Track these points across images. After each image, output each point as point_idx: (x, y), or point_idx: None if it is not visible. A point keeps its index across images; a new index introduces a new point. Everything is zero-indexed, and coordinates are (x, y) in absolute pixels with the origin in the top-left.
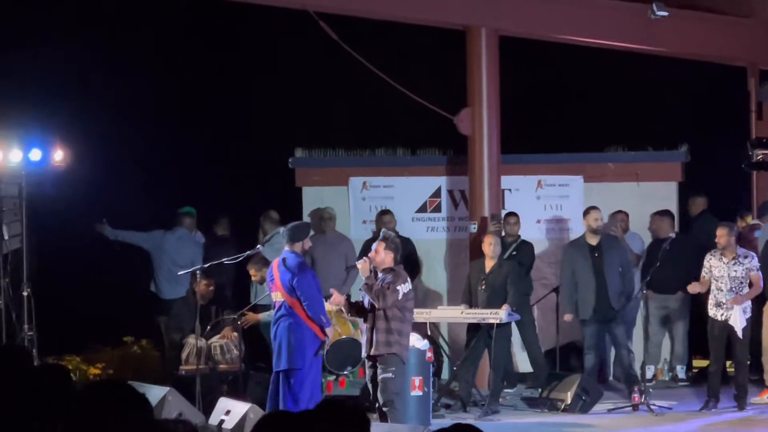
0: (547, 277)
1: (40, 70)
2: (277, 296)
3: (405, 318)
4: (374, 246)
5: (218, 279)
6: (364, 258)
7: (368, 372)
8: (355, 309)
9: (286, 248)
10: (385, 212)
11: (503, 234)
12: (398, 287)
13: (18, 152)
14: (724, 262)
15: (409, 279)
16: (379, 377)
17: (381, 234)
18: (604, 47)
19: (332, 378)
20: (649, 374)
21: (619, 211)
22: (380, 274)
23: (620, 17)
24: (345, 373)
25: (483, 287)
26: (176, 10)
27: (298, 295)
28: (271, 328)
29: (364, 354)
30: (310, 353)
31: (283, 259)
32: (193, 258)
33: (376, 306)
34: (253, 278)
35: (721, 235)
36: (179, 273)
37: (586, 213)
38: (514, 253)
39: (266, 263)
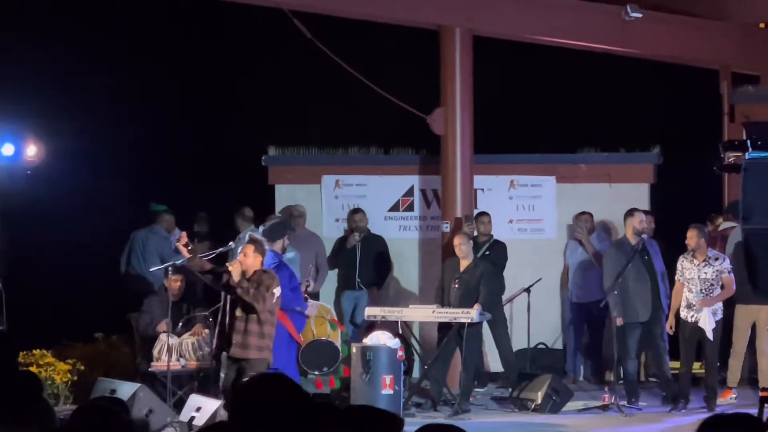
0: (518, 277)
1: (13, 64)
2: None
3: (274, 323)
4: (240, 249)
5: (192, 276)
6: (235, 260)
7: (230, 374)
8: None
9: (266, 247)
10: (356, 211)
11: (476, 234)
12: (274, 290)
13: None
14: (694, 264)
15: (279, 282)
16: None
17: (247, 237)
18: (578, 48)
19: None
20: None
21: (584, 212)
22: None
23: (594, 18)
24: (318, 374)
25: (456, 286)
26: (151, 7)
27: None
28: None
29: (231, 353)
30: (285, 353)
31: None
32: (161, 253)
33: (257, 308)
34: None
35: (691, 236)
36: (151, 270)
37: (630, 215)
38: (488, 252)
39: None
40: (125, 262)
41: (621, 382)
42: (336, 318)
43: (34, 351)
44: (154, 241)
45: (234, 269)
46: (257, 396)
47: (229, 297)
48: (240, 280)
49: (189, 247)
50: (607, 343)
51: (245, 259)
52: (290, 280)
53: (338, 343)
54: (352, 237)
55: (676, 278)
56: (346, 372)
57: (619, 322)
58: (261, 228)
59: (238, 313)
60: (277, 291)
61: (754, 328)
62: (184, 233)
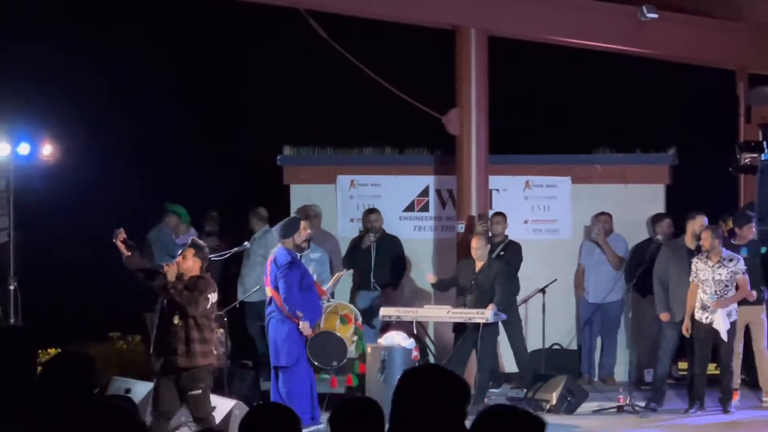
0: (533, 278)
1: (29, 64)
2: (268, 291)
3: (213, 328)
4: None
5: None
6: (173, 262)
7: (165, 389)
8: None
9: (279, 245)
10: (372, 211)
11: (490, 234)
12: (209, 295)
13: (6, 146)
14: (708, 266)
15: (216, 289)
16: (189, 394)
17: (190, 241)
18: (593, 49)
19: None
20: (648, 378)
21: (603, 213)
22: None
23: (610, 19)
24: (329, 368)
25: (472, 287)
26: (168, 7)
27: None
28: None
29: (179, 364)
30: (295, 349)
31: (275, 256)
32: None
33: (189, 312)
34: None
35: (706, 237)
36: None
37: (692, 218)
38: (502, 253)
39: None
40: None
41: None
42: (352, 316)
43: (48, 350)
44: (162, 240)
45: (170, 270)
46: None
47: (165, 306)
48: (174, 281)
49: (127, 244)
50: (622, 344)
51: (183, 262)
52: (302, 279)
53: (349, 337)
54: (367, 237)
55: (690, 279)
56: (362, 368)
57: (665, 317)
58: (276, 226)
59: (176, 321)
60: (212, 297)
61: (747, 329)
62: (121, 230)
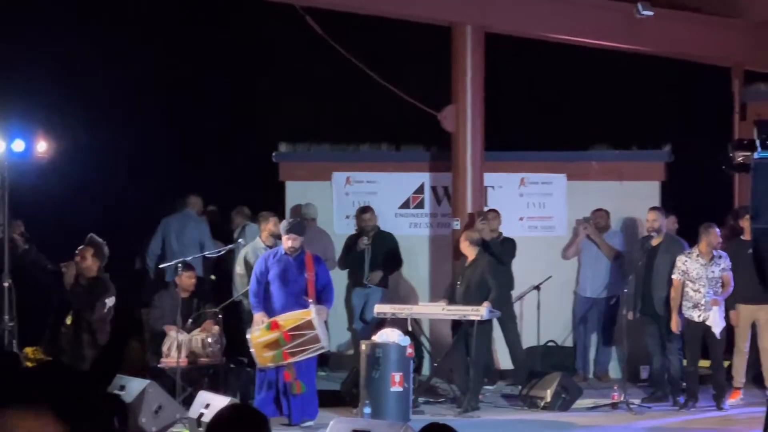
0: (528, 275)
1: (23, 60)
2: None
3: (107, 331)
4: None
5: (199, 272)
6: (69, 262)
7: None
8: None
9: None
10: (365, 210)
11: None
12: (106, 300)
13: (0, 143)
14: (701, 264)
15: (115, 293)
16: None
17: (88, 239)
18: (589, 46)
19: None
20: (644, 374)
21: (599, 209)
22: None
23: (605, 16)
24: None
25: (459, 283)
26: (163, 3)
27: None
28: None
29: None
30: None
31: None
32: (200, 238)
33: (86, 316)
34: None
35: (702, 235)
36: (160, 266)
37: (742, 214)
38: (494, 249)
39: None
40: (156, 253)
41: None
42: (286, 323)
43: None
44: (191, 227)
45: (68, 271)
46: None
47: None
48: (73, 283)
49: (25, 238)
50: (618, 339)
51: (82, 262)
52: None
53: (260, 343)
54: (361, 241)
55: (673, 277)
56: (287, 377)
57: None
58: (284, 222)
59: (69, 321)
60: (110, 301)
61: (753, 327)
62: (19, 222)
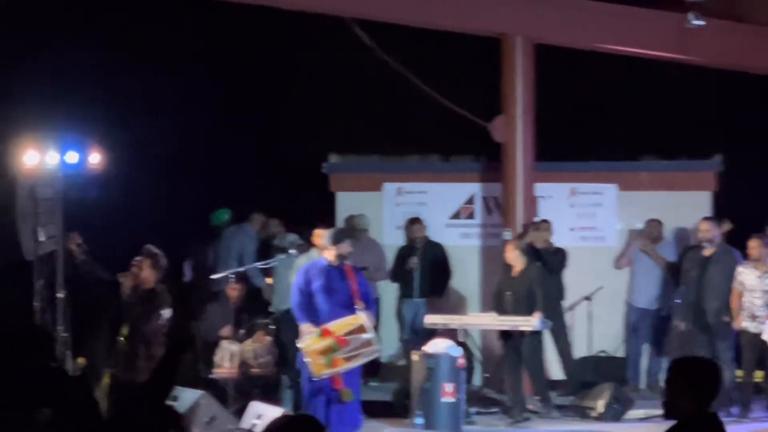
0: (579, 285)
1: (77, 72)
2: None
3: (162, 343)
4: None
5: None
6: (127, 273)
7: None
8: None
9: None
10: (414, 221)
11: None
12: (161, 312)
13: (54, 154)
14: (756, 275)
15: (170, 304)
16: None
17: (145, 250)
18: (639, 56)
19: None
20: None
21: (653, 220)
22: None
23: (656, 26)
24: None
25: (510, 293)
26: (214, 15)
27: None
28: None
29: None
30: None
31: None
32: (241, 250)
33: (141, 327)
34: None
35: (753, 246)
36: (212, 276)
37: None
38: (546, 259)
39: None
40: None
41: None
42: (342, 330)
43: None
44: (238, 240)
45: (125, 282)
46: None
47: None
48: (129, 294)
49: (82, 249)
50: (670, 350)
51: (139, 273)
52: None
53: (313, 351)
54: (411, 261)
55: (733, 287)
56: (338, 383)
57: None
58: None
59: (125, 331)
60: (165, 313)
61: None
62: (76, 234)
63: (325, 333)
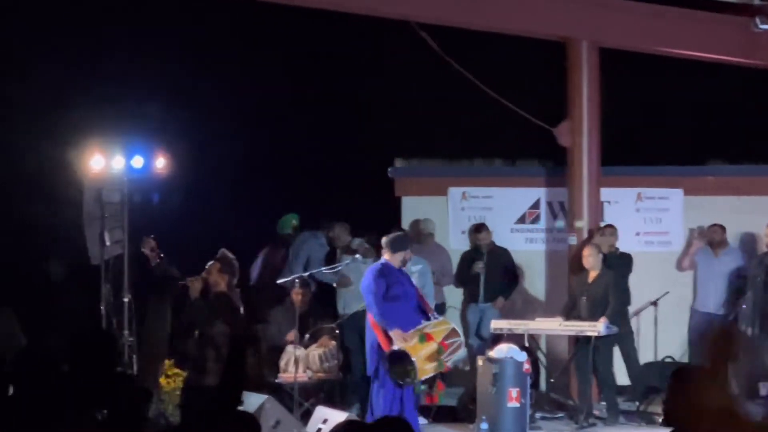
0: (645, 290)
1: (143, 77)
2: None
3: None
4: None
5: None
6: (197, 277)
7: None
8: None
9: (384, 257)
10: (479, 228)
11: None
12: (230, 315)
13: (120, 159)
14: None
15: (240, 307)
16: None
17: (219, 254)
18: (705, 60)
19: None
20: (764, 391)
21: (715, 225)
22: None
23: (722, 30)
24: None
25: (585, 298)
26: (278, 19)
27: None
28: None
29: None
30: (376, 360)
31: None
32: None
33: (207, 330)
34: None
35: None
36: (278, 281)
37: None
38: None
39: None
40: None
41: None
42: (440, 334)
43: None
44: (309, 244)
45: (193, 286)
46: None
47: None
48: (197, 298)
49: (156, 253)
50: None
51: (209, 277)
52: (389, 289)
53: (421, 356)
54: (476, 266)
55: None
56: (440, 386)
57: None
58: (383, 238)
59: (195, 335)
60: (233, 317)
61: None
62: (152, 238)
63: (429, 338)
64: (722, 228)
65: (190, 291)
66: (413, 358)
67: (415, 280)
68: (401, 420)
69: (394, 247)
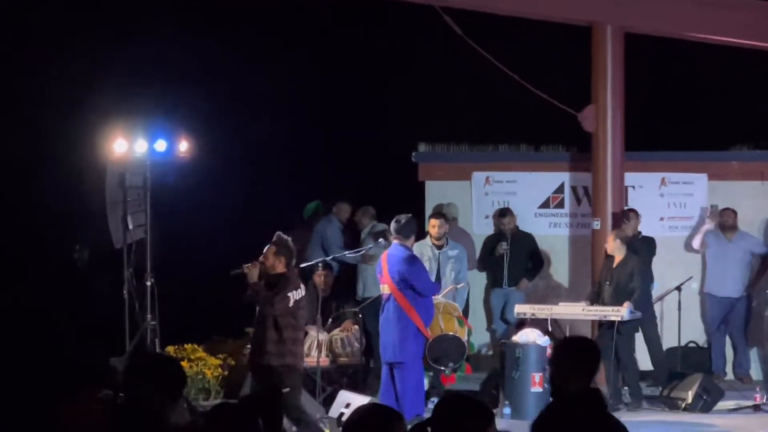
0: (668, 275)
1: (166, 61)
2: (385, 289)
3: (298, 325)
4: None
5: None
6: (253, 262)
7: (254, 385)
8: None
9: (396, 242)
10: (504, 213)
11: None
12: (289, 294)
13: (143, 143)
14: None
15: (302, 285)
16: None
17: (275, 236)
18: (730, 44)
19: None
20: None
21: (726, 209)
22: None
23: (747, 15)
24: (442, 369)
25: (609, 283)
26: (302, 6)
27: (412, 286)
28: (379, 319)
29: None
30: (413, 347)
31: (394, 253)
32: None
33: (266, 312)
34: None
35: None
36: (301, 265)
37: None
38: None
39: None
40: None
41: None
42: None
43: (185, 346)
44: (322, 225)
45: (250, 271)
46: None
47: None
48: (255, 281)
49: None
50: (760, 341)
51: (265, 260)
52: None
53: (465, 339)
54: (500, 246)
55: None
56: (468, 370)
57: None
58: (393, 224)
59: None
60: (294, 294)
61: None
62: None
63: (467, 323)
64: (734, 213)
65: (248, 277)
66: (464, 343)
67: (451, 265)
68: (386, 407)
69: (406, 232)
